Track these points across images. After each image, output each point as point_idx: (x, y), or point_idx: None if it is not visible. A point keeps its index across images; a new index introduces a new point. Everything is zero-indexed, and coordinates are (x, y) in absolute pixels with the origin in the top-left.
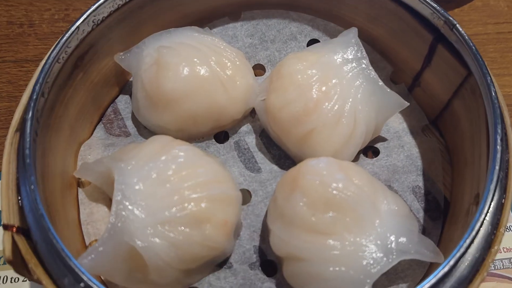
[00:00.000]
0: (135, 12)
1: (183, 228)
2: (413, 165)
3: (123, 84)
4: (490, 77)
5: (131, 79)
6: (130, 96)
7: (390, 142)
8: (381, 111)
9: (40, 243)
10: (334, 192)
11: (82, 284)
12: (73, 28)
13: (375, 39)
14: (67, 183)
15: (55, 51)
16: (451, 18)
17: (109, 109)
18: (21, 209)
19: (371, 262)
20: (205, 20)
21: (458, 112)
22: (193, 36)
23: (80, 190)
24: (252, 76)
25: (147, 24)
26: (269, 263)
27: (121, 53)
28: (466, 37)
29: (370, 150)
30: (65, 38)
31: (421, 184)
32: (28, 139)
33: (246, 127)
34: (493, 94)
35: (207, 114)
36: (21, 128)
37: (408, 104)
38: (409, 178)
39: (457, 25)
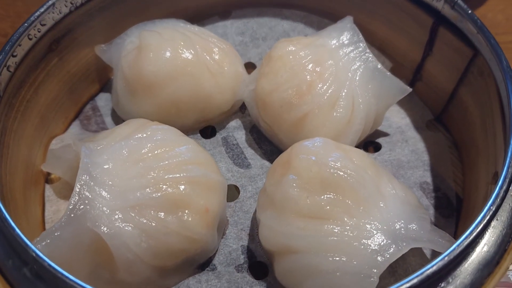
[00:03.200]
0: (119, 2)
1: (157, 212)
2: (419, 160)
3: (105, 81)
4: (500, 48)
5: (113, 77)
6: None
7: (393, 136)
8: (381, 97)
9: None
10: (332, 170)
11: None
12: (48, 4)
13: (372, 33)
14: (33, 175)
15: (25, 24)
16: None
17: (87, 106)
18: None
19: (377, 249)
20: (194, 19)
21: (465, 100)
22: (179, 25)
23: (48, 186)
24: (241, 65)
25: (131, 18)
26: (259, 265)
27: (103, 45)
28: (470, 12)
29: (371, 146)
30: (38, 12)
31: (429, 180)
32: None
33: (235, 122)
34: (505, 62)
35: (191, 102)
36: None
37: (411, 89)
38: (415, 174)
39: (459, 1)
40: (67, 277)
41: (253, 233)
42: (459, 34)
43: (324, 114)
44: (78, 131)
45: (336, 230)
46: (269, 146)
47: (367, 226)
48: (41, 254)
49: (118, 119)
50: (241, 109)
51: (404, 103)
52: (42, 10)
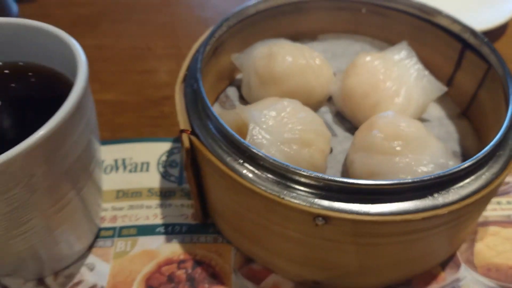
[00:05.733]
0: (249, 27)
1: (295, 147)
2: (451, 137)
3: (232, 79)
4: (503, 61)
5: (237, 77)
6: (237, 87)
7: (432, 122)
8: (427, 94)
9: (206, 141)
10: (401, 128)
11: (241, 160)
12: (219, 22)
13: (417, 54)
14: None
15: (208, 35)
16: (474, 30)
17: (222, 94)
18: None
19: (425, 171)
20: (292, 39)
21: (483, 99)
22: (289, 42)
23: None
24: (331, 70)
25: (255, 36)
26: None
27: (236, 54)
28: (486, 40)
29: None
30: (214, 28)
31: (458, 149)
32: (199, 65)
33: (324, 108)
34: (506, 69)
35: (301, 92)
36: (185, 80)
37: (447, 89)
38: (448, 145)
39: (478, 33)
40: (273, 159)
41: (344, 175)
42: (479, 55)
43: (390, 103)
44: (219, 110)
45: (403, 161)
46: (350, 124)
47: (423, 161)
48: (251, 146)
49: (244, 104)
50: (328, 100)
51: (440, 101)
52: (216, 28)
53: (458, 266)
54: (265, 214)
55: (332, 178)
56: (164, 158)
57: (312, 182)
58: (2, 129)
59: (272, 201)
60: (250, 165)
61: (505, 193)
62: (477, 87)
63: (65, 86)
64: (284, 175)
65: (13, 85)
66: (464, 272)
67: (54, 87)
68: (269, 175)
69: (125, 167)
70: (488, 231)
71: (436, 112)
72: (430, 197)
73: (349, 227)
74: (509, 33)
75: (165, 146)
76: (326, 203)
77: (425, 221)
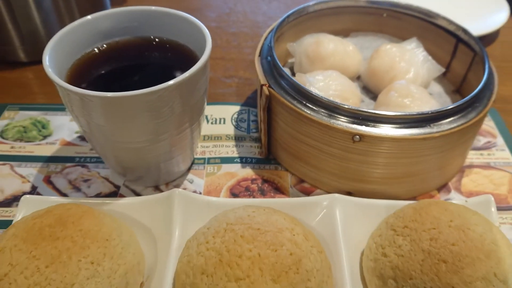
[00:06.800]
0: (300, 23)
1: (338, 100)
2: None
3: (285, 62)
4: (485, 50)
5: (289, 60)
6: (289, 68)
7: (433, 95)
8: (430, 72)
9: (279, 92)
10: (411, 89)
11: (304, 102)
12: (283, 18)
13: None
14: None
15: (274, 28)
16: (465, 28)
17: None
18: (269, 86)
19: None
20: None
21: (471, 79)
22: (329, 35)
23: None
24: (361, 55)
25: (304, 31)
26: None
27: (291, 43)
28: (473, 36)
29: None
30: (279, 21)
31: None
32: (273, 44)
33: (354, 84)
34: (485, 55)
35: (339, 68)
36: (260, 55)
37: (444, 70)
38: None
39: (468, 30)
40: (329, 100)
41: None
42: (468, 46)
43: (403, 77)
44: None
45: (413, 108)
46: (373, 95)
47: (426, 108)
48: (312, 91)
49: None
50: (357, 78)
51: (439, 81)
52: (280, 22)
53: (449, 191)
54: (318, 137)
55: (365, 109)
56: (235, 116)
57: (351, 113)
58: (149, 74)
59: (325, 126)
60: (310, 104)
61: (487, 148)
62: (467, 70)
63: (189, 55)
64: (333, 110)
65: (156, 53)
66: (454, 195)
67: (180, 55)
68: (323, 110)
69: (208, 121)
70: (472, 171)
71: (436, 88)
72: (428, 127)
73: (375, 143)
74: (501, 38)
75: (235, 108)
76: (360, 127)
77: (424, 141)
